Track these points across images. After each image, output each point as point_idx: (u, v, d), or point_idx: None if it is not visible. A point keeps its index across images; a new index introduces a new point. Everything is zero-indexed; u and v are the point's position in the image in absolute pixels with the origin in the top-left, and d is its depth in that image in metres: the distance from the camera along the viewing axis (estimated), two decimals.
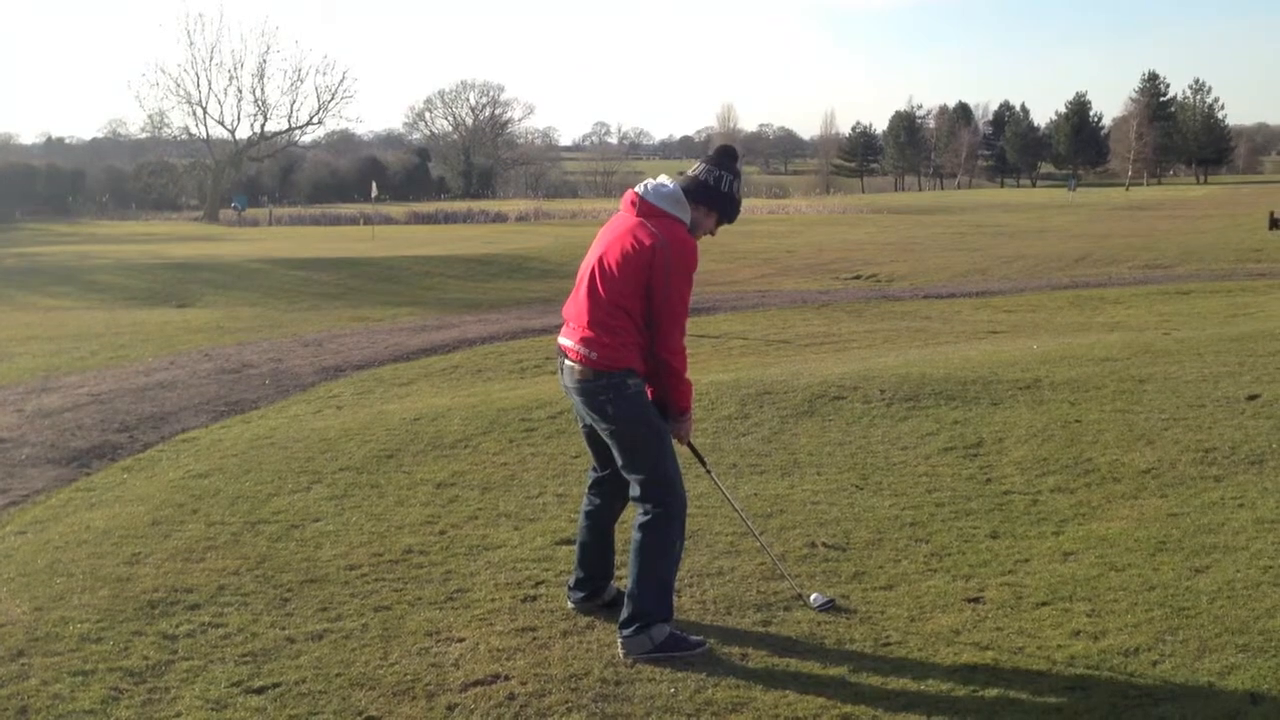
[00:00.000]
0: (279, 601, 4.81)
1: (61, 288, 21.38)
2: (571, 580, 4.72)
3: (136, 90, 64.65)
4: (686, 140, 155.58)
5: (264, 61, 65.70)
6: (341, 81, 66.56)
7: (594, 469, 4.63)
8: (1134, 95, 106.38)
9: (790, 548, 5.31)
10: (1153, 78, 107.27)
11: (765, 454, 7.09)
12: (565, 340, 4.33)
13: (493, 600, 4.78)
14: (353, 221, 52.49)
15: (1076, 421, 7.32)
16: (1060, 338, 12.13)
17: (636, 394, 4.25)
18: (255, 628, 4.52)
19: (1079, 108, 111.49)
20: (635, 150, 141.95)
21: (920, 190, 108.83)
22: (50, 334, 14.75)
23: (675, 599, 4.56)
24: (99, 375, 11.29)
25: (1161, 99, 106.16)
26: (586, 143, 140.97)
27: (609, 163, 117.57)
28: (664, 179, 4.36)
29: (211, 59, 65.36)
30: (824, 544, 5.35)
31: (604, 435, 4.32)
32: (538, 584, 4.97)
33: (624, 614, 4.24)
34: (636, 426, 4.25)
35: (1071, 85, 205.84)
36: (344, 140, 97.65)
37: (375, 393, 10.40)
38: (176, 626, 4.52)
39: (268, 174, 79.78)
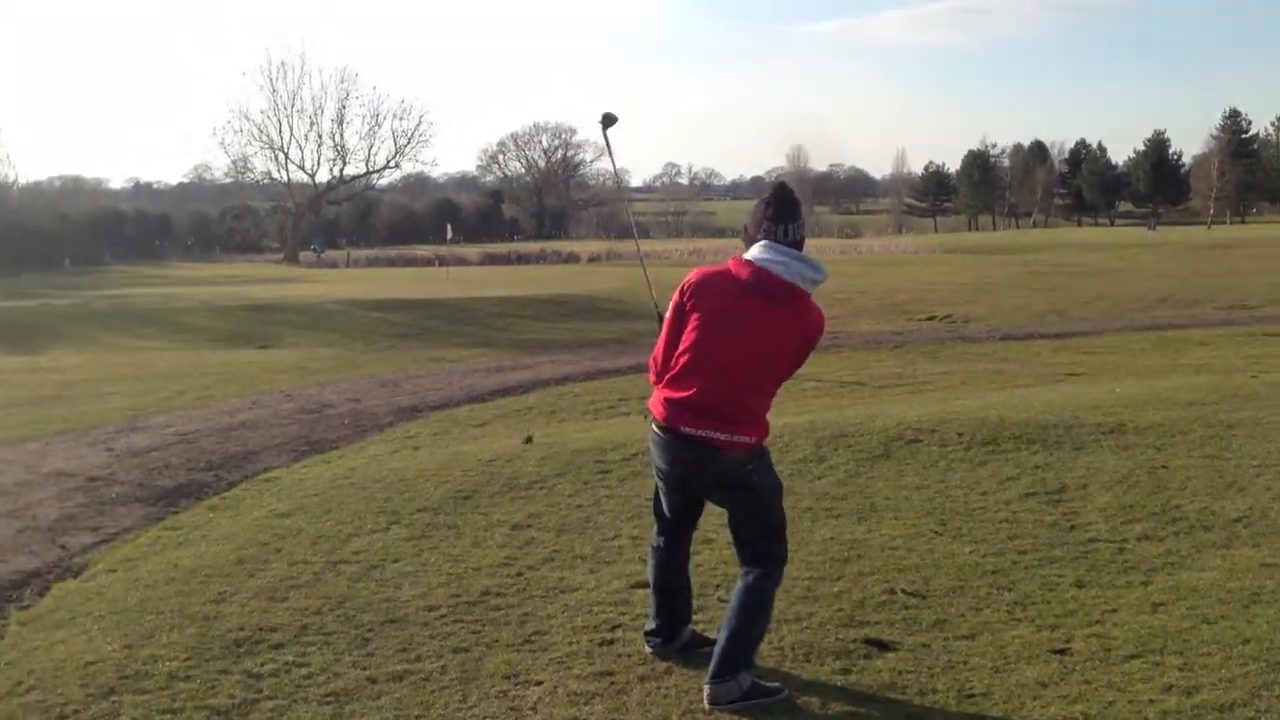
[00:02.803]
0: (360, 641, 4.86)
1: (149, 329, 22.01)
2: (650, 625, 4.70)
3: (222, 136, 66.51)
4: (757, 180, 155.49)
5: (343, 107, 67.16)
6: (418, 126, 67.80)
7: (664, 530, 4.62)
8: (1215, 133, 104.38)
9: (869, 594, 5.25)
10: (1234, 115, 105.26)
11: (841, 498, 7.03)
12: (709, 432, 4.12)
13: (570, 644, 4.79)
14: (428, 263, 53.39)
15: (1163, 467, 7.16)
16: (1144, 380, 11.89)
17: (769, 457, 4.38)
18: (337, 668, 4.57)
19: (1158, 145, 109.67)
20: (706, 191, 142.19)
21: (995, 229, 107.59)
22: (138, 374, 15.17)
23: None
24: (185, 415, 11.57)
25: (1243, 136, 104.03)
26: (658, 184, 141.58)
27: (680, 203, 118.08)
28: (776, 253, 4.15)
29: (293, 106, 66.98)
30: (904, 590, 5.28)
31: (730, 502, 4.34)
32: (614, 627, 4.97)
33: (716, 664, 4.15)
34: (775, 489, 4.35)
35: (1150, 123, 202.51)
36: (419, 183, 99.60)
37: (451, 433, 10.52)
38: (261, 665, 4.59)
39: (346, 216, 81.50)
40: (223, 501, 7.80)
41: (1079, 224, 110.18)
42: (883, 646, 4.63)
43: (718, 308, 4.16)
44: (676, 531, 4.61)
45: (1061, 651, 4.49)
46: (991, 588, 5.28)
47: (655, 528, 4.70)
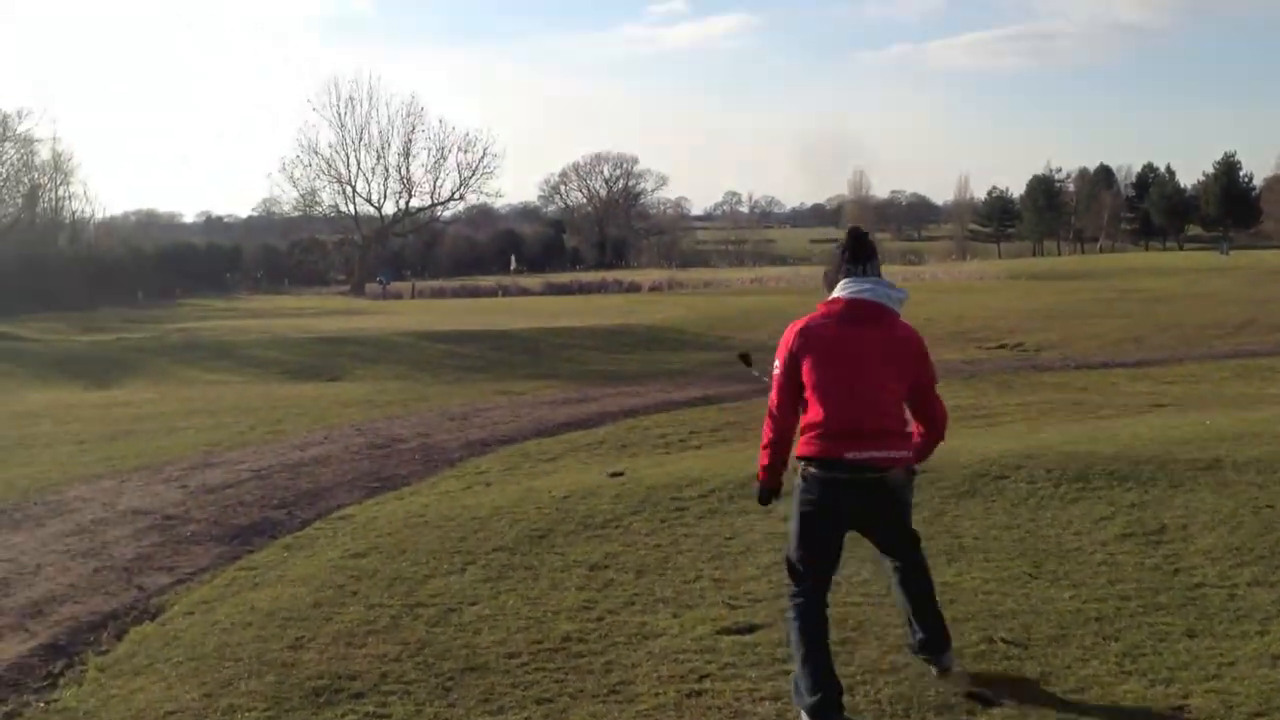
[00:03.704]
0: (441, 691, 4.74)
1: (220, 363, 22.28)
2: (812, 700, 4.21)
3: (290, 171, 67.18)
4: (818, 208, 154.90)
5: (409, 141, 67.84)
6: (482, 158, 68.15)
7: (812, 580, 4.44)
8: None
9: (966, 642, 5.01)
10: None
11: (928, 537, 6.70)
12: (871, 452, 4.32)
13: (656, 695, 4.62)
14: (491, 293, 53.77)
15: (1269, 507, 6.83)
16: (1233, 412, 11.48)
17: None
18: (419, 719, 4.45)
19: (1228, 168, 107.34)
20: (766, 218, 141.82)
21: (1060, 255, 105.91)
22: (211, 408, 15.30)
23: (848, 698, 4.38)
24: (258, 450, 11.61)
25: None
26: (718, 212, 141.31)
27: (740, 231, 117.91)
28: (860, 283, 4.50)
29: (360, 140, 67.52)
30: (1003, 639, 5.05)
31: (883, 527, 4.55)
32: (702, 677, 4.79)
33: (938, 638, 4.61)
34: (910, 506, 4.64)
35: (1219, 145, 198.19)
36: (482, 214, 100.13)
37: (522, 468, 10.42)
38: (342, 716, 4.49)
39: (411, 248, 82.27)
40: (297, 541, 7.74)
41: (1146, 249, 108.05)
42: (986, 702, 4.42)
43: (825, 345, 4.43)
44: (827, 582, 4.52)
45: (1179, 709, 4.24)
46: (1096, 637, 5.03)
47: (794, 590, 4.48)
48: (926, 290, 41.76)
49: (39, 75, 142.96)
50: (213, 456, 11.31)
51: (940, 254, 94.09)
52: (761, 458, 4.57)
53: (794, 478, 4.50)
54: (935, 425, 4.68)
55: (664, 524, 7.44)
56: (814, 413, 4.38)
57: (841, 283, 4.51)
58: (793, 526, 4.50)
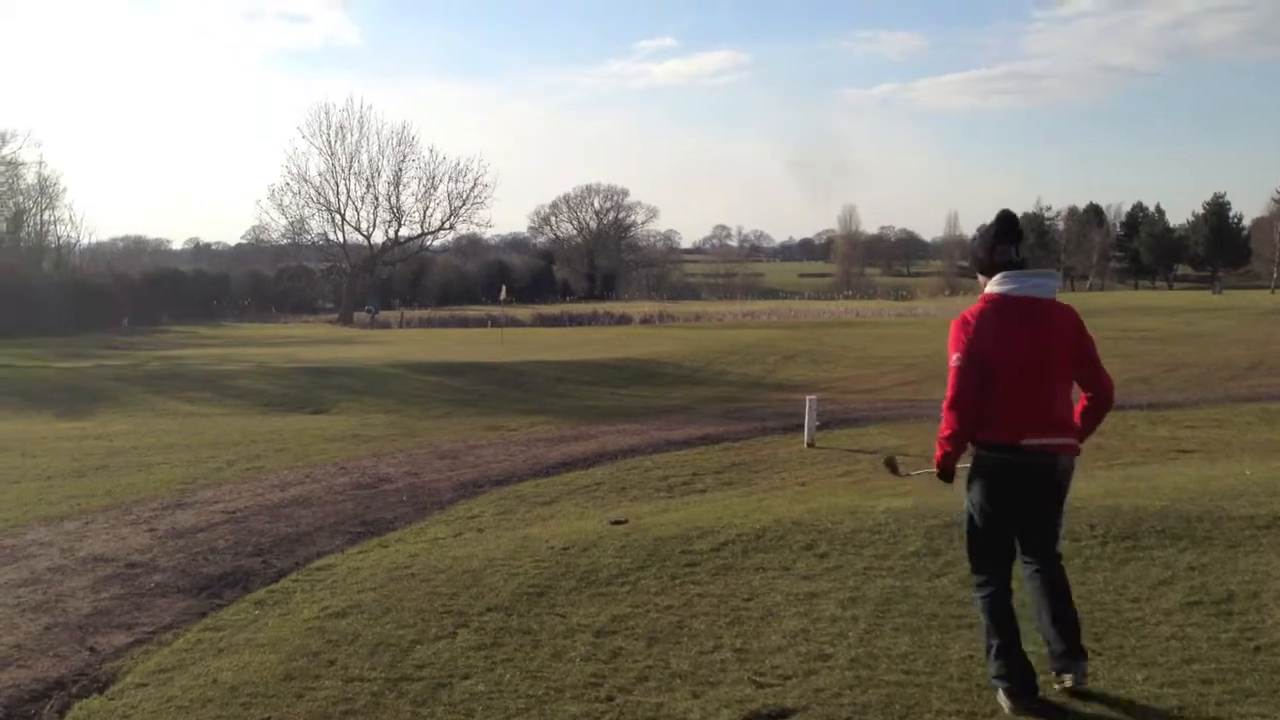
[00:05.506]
0: None
1: (201, 393, 21.51)
2: (1007, 683, 4.62)
3: (279, 198, 66.39)
4: (807, 243, 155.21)
5: (400, 170, 67.33)
6: (473, 188, 67.62)
7: (998, 574, 4.76)
8: (1276, 196, 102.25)
9: None
10: None
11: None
12: (1053, 439, 4.59)
13: None
14: (480, 323, 53.11)
15: None
16: (1268, 460, 10.87)
17: None
18: None
19: (1217, 208, 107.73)
20: (756, 253, 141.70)
21: None
22: (188, 442, 14.58)
23: None
24: (234, 489, 10.90)
25: None
26: (707, 245, 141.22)
27: (730, 264, 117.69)
28: (1015, 281, 4.70)
29: (350, 168, 66.91)
30: None
31: (1047, 513, 4.70)
32: None
33: (1075, 646, 4.64)
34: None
35: (1209, 185, 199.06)
36: (472, 244, 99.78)
37: (517, 513, 9.74)
38: None
39: (399, 277, 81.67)
40: (271, 595, 7.04)
41: (1136, 287, 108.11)
42: None
43: (998, 343, 4.61)
44: (1009, 570, 4.77)
45: None
46: None
47: (979, 580, 4.83)
48: (924, 327, 41.23)
49: (24, 98, 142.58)
50: (186, 495, 10.58)
51: (929, 289, 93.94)
52: (944, 445, 4.71)
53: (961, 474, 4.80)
54: (1104, 392, 4.84)
55: (674, 581, 6.78)
56: (992, 405, 4.59)
57: (999, 277, 4.71)
58: (969, 515, 4.80)
